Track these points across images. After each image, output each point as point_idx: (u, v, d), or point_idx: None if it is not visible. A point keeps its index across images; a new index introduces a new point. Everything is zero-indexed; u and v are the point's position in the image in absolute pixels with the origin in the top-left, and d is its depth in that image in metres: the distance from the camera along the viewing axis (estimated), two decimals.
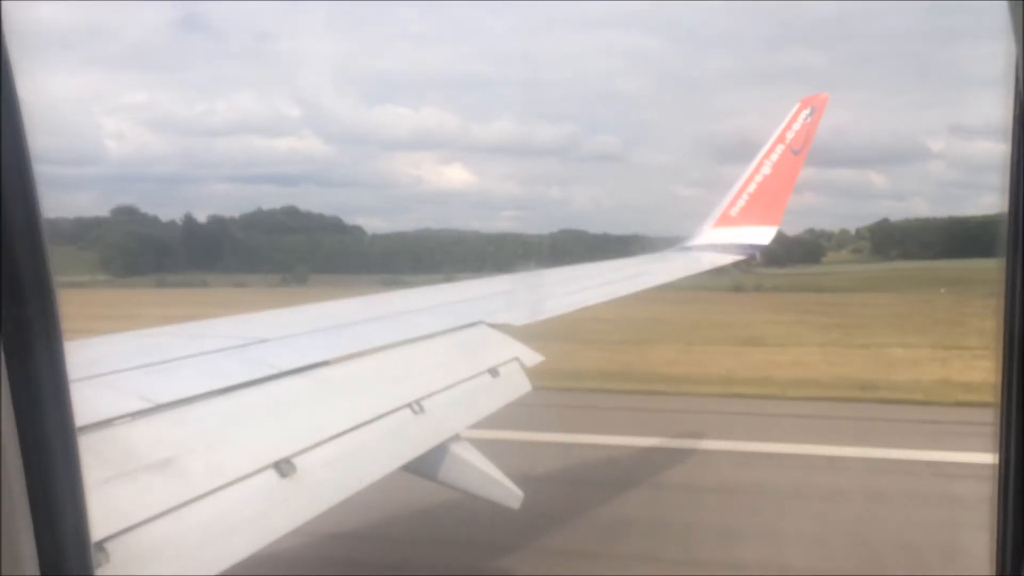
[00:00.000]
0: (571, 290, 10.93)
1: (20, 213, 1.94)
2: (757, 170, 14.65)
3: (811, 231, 76.17)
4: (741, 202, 14.61)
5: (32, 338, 1.99)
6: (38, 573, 2.02)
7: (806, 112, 14.60)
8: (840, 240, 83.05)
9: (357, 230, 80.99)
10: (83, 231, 75.32)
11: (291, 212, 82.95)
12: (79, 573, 2.14)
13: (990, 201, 2.21)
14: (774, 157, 14.56)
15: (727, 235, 14.60)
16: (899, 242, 75.57)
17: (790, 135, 14.55)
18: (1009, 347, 2.18)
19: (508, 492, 6.42)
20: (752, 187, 14.60)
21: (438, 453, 6.05)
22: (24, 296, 1.97)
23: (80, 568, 2.15)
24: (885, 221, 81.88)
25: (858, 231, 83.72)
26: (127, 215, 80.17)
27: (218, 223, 79.25)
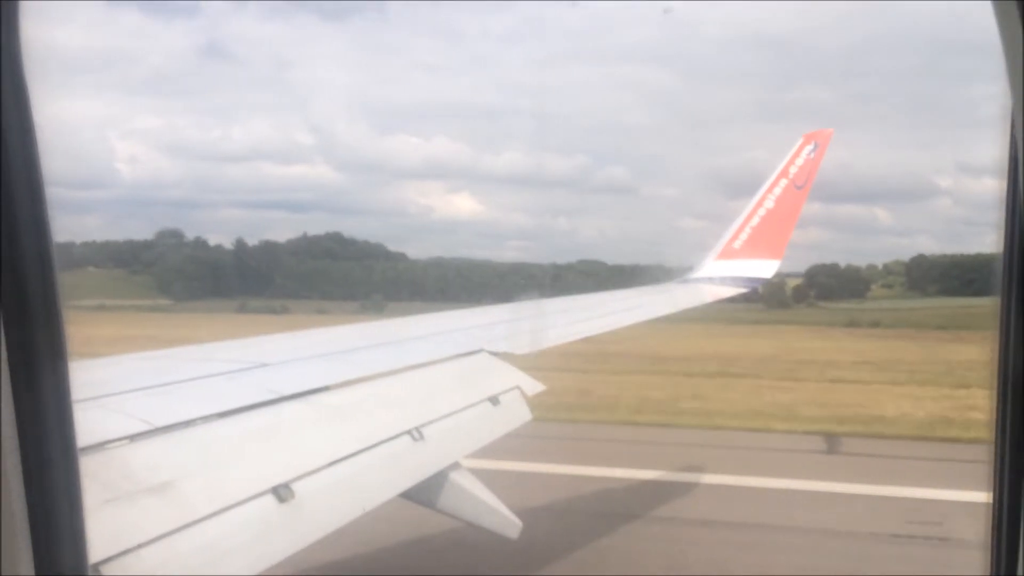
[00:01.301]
0: (572, 320, 10.93)
1: (31, 234, 1.97)
2: (760, 204, 14.70)
3: (834, 267, 76.21)
4: (744, 235, 14.65)
5: (38, 357, 2.00)
6: (27, 526, 2.01)
7: (809, 147, 14.67)
8: (868, 275, 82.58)
9: (401, 256, 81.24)
10: (134, 255, 75.75)
11: (337, 238, 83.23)
12: (69, 522, 2.14)
13: (995, 239, 2.26)
14: (777, 191, 14.62)
15: (730, 268, 14.62)
16: (937, 278, 74.88)
17: (793, 170, 14.61)
18: (1004, 380, 2.22)
19: (506, 521, 6.38)
20: (755, 221, 14.64)
21: (437, 481, 6.02)
22: (31, 316, 1.98)
23: (69, 519, 2.14)
24: (921, 256, 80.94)
25: (886, 266, 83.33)
26: (173, 238, 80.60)
27: (269, 249, 79.49)
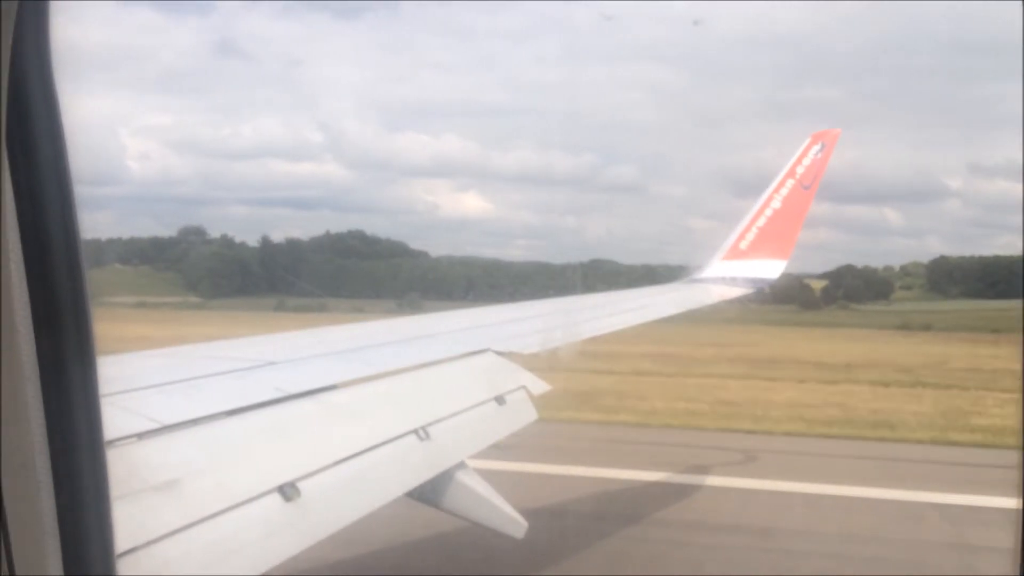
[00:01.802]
0: (578, 320, 10.94)
1: (60, 233, 1.99)
2: (767, 204, 14.67)
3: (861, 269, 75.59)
4: (751, 236, 14.62)
5: (66, 354, 2.03)
6: (56, 528, 2.04)
7: (816, 147, 14.64)
8: (886, 277, 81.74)
9: (423, 255, 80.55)
10: (158, 252, 75.88)
11: (359, 236, 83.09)
12: (97, 525, 2.17)
13: (1006, 241, 2.20)
14: (784, 192, 14.59)
15: (736, 268, 14.60)
16: (959, 280, 73.88)
17: (800, 170, 14.58)
18: None
19: (512, 521, 6.38)
20: (762, 221, 14.61)
21: (443, 480, 6.03)
22: (60, 316, 2.01)
23: (97, 522, 2.17)
24: (943, 258, 79.31)
25: (903, 268, 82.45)
26: (196, 235, 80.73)
27: (294, 246, 79.38)
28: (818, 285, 70.13)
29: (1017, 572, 2.35)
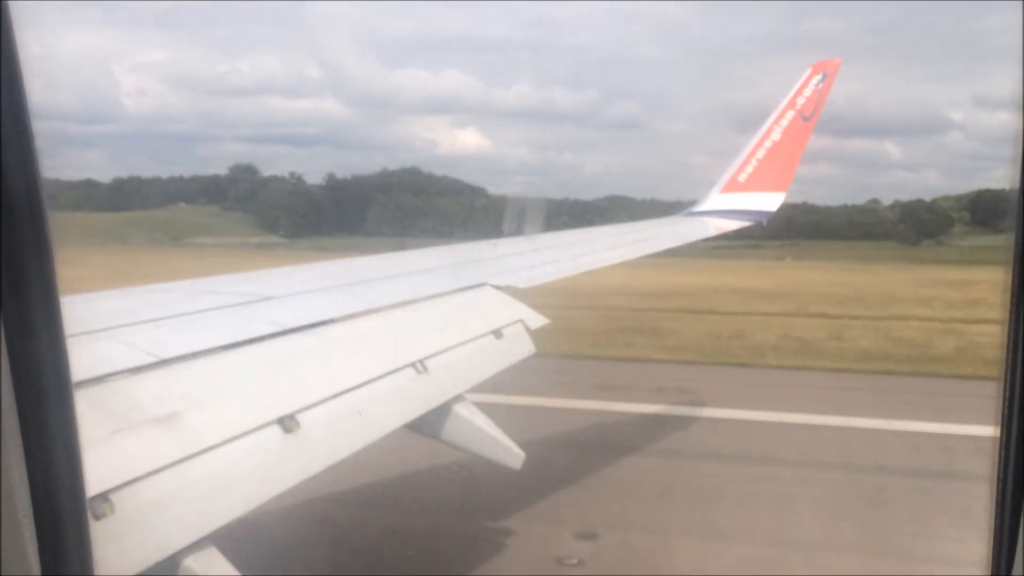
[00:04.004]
0: (576, 254, 10.93)
1: (20, 174, 1.93)
2: (766, 136, 14.51)
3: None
4: (749, 168, 14.49)
5: (29, 298, 1.98)
6: (32, 528, 2.03)
7: (818, 78, 14.43)
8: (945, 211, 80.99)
9: (482, 191, 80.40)
10: (220, 191, 74.64)
11: (414, 172, 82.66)
12: (74, 524, 2.16)
13: (1003, 174, 2.18)
14: (784, 123, 14.42)
15: (734, 201, 14.50)
16: (1003, 215, 73.16)
17: (800, 101, 14.39)
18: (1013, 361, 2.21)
19: (510, 452, 6.46)
20: (761, 153, 14.47)
21: (441, 413, 6.09)
22: (22, 255, 1.95)
23: (74, 521, 2.16)
24: (987, 191, 78.44)
25: (934, 202, 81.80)
26: (248, 173, 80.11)
27: (359, 184, 78.50)
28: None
29: (988, 571, 2.41)
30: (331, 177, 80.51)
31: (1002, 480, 2.30)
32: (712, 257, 49.78)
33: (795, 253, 65.35)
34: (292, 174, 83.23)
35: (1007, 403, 2.24)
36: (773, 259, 60.35)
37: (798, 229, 67.99)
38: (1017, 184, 2.15)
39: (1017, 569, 2.27)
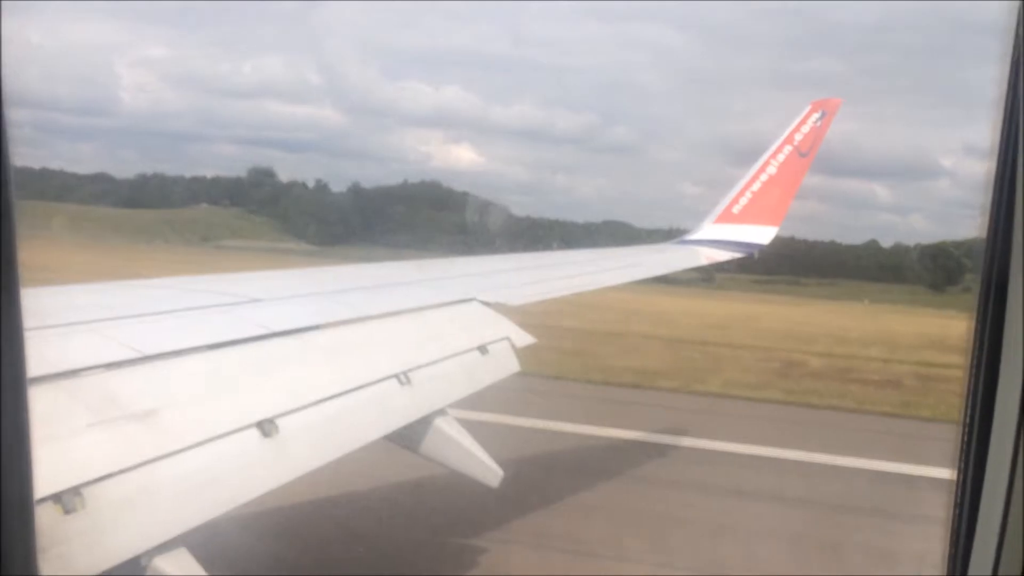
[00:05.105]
0: (567, 274, 10.96)
1: None
2: (762, 169, 14.59)
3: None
4: (744, 200, 14.55)
5: None
6: None
7: (816, 115, 14.53)
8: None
9: (503, 209, 79.46)
10: (243, 193, 73.94)
11: (435, 186, 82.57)
12: (19, 523, 2.08)
13: (982, 223, 2.24)
14: (780, 158, 14.50)
15: (727, 232, 14.57)
16: None
17: (798, 137, 14.49)
18: (977, 364, 2.24)
19: (488, 470, 6.44)
20: (756, 186, 14.55)
21: (422, 426, 6.07)
22: None
23: (20, 520, 2.08)
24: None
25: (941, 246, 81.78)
26: (265, 176, 79.86)
27: (384, 195, 78.17)
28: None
29: (944, 571, 2.45)
30: (356, 186, 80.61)
31: (961, 481, 2.34)
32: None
33: (837, 293, 65.08)
34: (318, 181, 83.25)
35: (968, 404, 2.28)
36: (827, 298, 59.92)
37: (819, 265, 68.22)
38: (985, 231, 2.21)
39: (973, 568, 2.29)
